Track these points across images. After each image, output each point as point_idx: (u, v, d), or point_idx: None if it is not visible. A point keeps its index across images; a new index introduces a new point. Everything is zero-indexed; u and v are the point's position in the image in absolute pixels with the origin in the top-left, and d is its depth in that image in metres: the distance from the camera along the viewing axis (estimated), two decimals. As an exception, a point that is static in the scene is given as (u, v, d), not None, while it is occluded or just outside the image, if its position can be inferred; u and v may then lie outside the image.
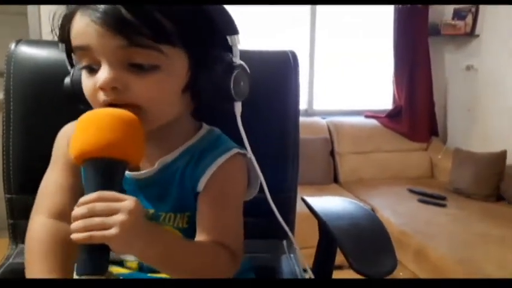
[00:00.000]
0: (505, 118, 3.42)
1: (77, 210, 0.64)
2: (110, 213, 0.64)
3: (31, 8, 3.10)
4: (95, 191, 0.66)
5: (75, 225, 0.64)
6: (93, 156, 0.67)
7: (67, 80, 0.86)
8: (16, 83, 1.09)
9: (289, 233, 0.94)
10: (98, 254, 0.65)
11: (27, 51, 1.11)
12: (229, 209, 0.87)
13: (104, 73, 0.73)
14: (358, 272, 0.85)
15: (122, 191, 0.69)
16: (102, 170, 0.68)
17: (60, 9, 0.78)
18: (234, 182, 0.89)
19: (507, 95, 3.40)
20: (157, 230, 0.74)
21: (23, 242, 1.09)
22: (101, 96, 0.75)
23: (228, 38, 0.81)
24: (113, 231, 0.63)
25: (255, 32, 3.50)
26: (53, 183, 0.88)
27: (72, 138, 0.70)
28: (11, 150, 1.09)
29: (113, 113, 0.70)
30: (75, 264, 0.68)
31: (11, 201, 1.11)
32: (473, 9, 3.65)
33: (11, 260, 1.07)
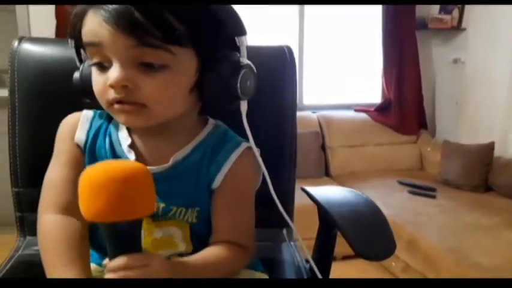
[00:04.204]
0: (492, 110, 3.47)
1: (110, 277, 0.67)
2: (143, 277, 0.67)
3: (19, 6, 3.08)
4: (118, 251, 0.68)
5: None
6: (109, 221, 0.67)
7: (76, 75, 0.88)
8: (20, 79, 1.11)
9: (290, 223, 0.97)
10: None
11: (30, 48, 1.13)
12: (244, 206, 0.91)
13: (115, 72, 0.75)
14: (361, 256, 0.89)
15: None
16: (121, 232, 0.68)
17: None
18: (247, 178, 0.92)
19: (494, 87, 3.45)
20: (183, 271, 0.77)
21: (30, 234, 1.13)
22: (111, 94, 0.77)
23: (236, 38, 0.83)
24: None
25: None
26: (57, 178, 0.88)
27: (82, 200, 0.67)
28: (17, 146, 1.11)
29: (119, 174, 0.66)
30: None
31: (18, 194, 1.12)
32: (459, 4, 3.70)
33: (20, 252, 1.10)
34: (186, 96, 0.82)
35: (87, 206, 0.67)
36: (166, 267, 0.70)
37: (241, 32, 0.83)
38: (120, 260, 0.67)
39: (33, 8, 3.08)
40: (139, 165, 0.69)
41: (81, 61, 0.88)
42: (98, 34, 0.75)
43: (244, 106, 0.86)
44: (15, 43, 1.13)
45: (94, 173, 0.67)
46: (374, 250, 0.91)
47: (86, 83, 0.84)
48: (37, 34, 3.01)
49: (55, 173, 0.89)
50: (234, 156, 0.89)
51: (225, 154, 0.89)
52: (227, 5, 0.82)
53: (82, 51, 0.87)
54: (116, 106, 0.78)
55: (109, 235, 0.68)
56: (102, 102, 0.81)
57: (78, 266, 0.79)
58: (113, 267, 0.67)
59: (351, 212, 0.99)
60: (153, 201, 0.71)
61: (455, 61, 3.82)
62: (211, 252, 0.85)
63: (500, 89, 3.39)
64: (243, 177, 0.90)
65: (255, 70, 0.85)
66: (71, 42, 0.85)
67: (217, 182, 0.88)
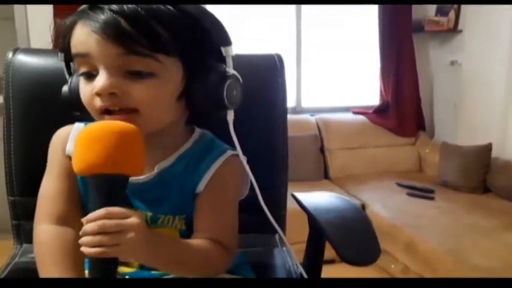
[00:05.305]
0: (490, 111, 3.48)
1: (88, 227, 0.67)
2: (119, 230, 0.68)
3: (18, 14, 3.11)
4: (101, 205, 0.69)
5: (86, 240, 0.67)
6: (98, 172, 0.70)
7: (65, 88, 0.89)
8: (15, 89, 1.13)
9: (279, 231, 0.97)
10: (109, 266, 0.71)
11: (24, 59, 1.15)
12: (226, 209, 0.92)
13: (101, 79, 0.76)
14: (346, 261, 0.91)
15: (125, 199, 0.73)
16: (107, 186, 0.71)
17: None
18: (231, 184, 0.93)
19: (491, 89, 3.46)
20: (158, 239, 0.79)
21: (26, 241, 1.15)
22: (98, 102, 0.78)
23: (222, 49, 0.84)
24: (124, 247, 0.68)
25: (241, 32, 3.53)
26: (51, 189, 0.90)
27: (76, 153, 0.73)
28: (12, 154, 1.13)
29: (114, 128, 0.72)
30: (88, 272, 0.72)
31: (14, 203, 1.15)
32: (455, 6, 3.71)
33: (16, 259, 1.12)
34: (174, 104, 0.84)
35: (81, 157, 0.71)
36: (143, 225, 0.71)
37: (227, 42, 0.84)
38: (101, 210, 0.68)
39: (32, 16, 3.10)
40: (132, 125, 0.73)
41: (70, 74, 0.90)
42: (87, 44, 0.77)
43: (230, 115, 0.87)
44: (10, 54, 1.15)
45: (91, 127, 0.73)
46: (359, 256, 0.93)
47: (75, 95, 0.85)
48: (36, 42, 3.04)
49: (49, 185, 0.91)
50: (218, 162, 0.90)
51: (210, 161, 0.90)
52: (212, 16, 0.84)
53: (71, 64, 0.88)
54: (107, 118, 0.79)
55: (96, 190, 0.71)
56: (91, 111, 0.82)
57: (73, 275, 0.81)
58: (93, 216, 0.68)
59: (337, 219, 1.01)
60: (142, 161, 0.75)
61: (453, 63, 3.82)
62: (192, 240, 0.87)
63: (497, 90, 3.40)
64: (226, 183, 0.91)
65: (241, 80, 0.86)
66: (60, 56, 0.87)
67: (200, 187, 0.89)
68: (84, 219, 0.69)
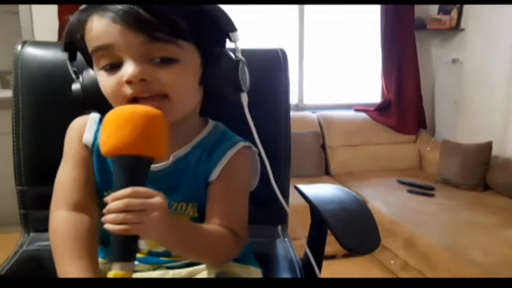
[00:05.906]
0: (491, 109, 3.49)
1: (113, 205, 0.69)
2: (144, 208, 0.70)
3: (23, 8, 3.12)
4: (126, 185, 0.71)
5: (111, 217, 0.69)
6: (126, 153, 0.72)
7: (76, 86, 0.90)
8: (24, 81, 1.15)
9: (285, 206, 1.01)
10: (130, 243, 0.72)
11: (32, 51, 1.17)
12: (238, 198, 0.95)
13: (130, 67, 0.78)
14: (348, 250, 0.93)
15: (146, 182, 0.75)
16: (134, 167, 0.73)
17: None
18: (242, 174, 0.96)
19: (492, 87, 3.47)
20: (178, 220, 0.81)
21: (34, 230, 1.17)
22: (127, 90, 0.79)
23: (231, 34, 0.87)
24: (147, 226, 0.71)
25: (244, 28, 3.53)
26: (67, 178, 0.92)
27: (105, 134, 0.74)
28: (21, 146, 1.15)
29: (142, 111, 0.74)
30: (109, 250, 0.73)
31: (22, 192, 1.16)
32: (457, 4, 3.73)
33: (24, 247, 1.13)
34: (197, 89, 0.88)
35: (109, 138, 0.73)
36: (166, 206, 0.74)
37: (233, 28, 0.88)
38: (127, 189, 0.70)
39: (36, 10, 3.12)
40: (158, 110, 0.75)
41: (76, 74, 0.92)
42: (108, 35, 0.78)
43: (244, 98, 0.90)
44: (19, 47, 1.17)
45: (121, 109, 0.75)
46: (360, 245, 0.96)
47: (89, 92, 0.87)
48: (40, 36, 3.06)
49: (65, 173, 0.93)
50: (230, 153, 0.93)
51: (222, 151, 0.93)
52: (217, 5, 0.87)
53: (74, 63, 0.91)
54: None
55: (123, 170, 0.73)
56: (117, 101, 0.82)
57: (87, 260, 0.82)
58: (119, 195, 0.70)
59: (340, 209, 1.03)
60: (166, 146, 0.77)
61: (454, 61, 3.84)
62: (207, 225, 0.89)
63: (498, 88, 3.41)
64: (238, 173, 0.94)
65: (247, 64, 0.90)
66: (68, 56, 0.90)
67: (213, 176, 0.92)
68: (109, 198, 0.70)
